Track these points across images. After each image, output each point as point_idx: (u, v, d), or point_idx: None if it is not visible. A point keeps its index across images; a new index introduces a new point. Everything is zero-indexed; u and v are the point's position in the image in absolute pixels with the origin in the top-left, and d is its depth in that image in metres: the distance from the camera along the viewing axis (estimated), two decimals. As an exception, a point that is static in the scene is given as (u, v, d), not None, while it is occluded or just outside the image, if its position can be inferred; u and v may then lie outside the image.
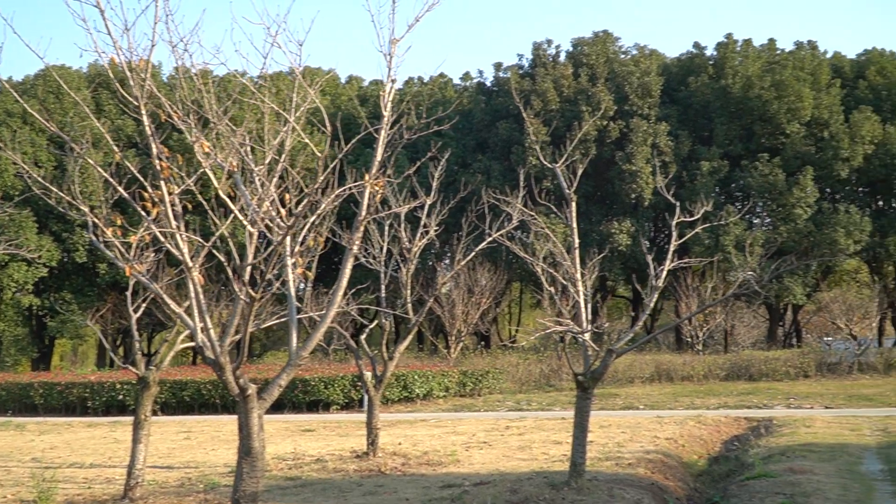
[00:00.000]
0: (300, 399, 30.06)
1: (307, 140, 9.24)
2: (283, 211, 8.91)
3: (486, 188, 17.87)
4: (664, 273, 13.19)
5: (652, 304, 13.81)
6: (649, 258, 14.08)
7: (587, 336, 12.98)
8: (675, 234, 14.01)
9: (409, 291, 17.27)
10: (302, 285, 16.61)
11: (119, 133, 42.86)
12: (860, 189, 49.05)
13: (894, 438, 18.73)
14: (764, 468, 14.74)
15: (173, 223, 8.64)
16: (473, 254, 17.41)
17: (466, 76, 55.27)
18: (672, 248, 13.81)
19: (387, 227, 17.48)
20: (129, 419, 13.86)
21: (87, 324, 30.56)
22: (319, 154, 8.50)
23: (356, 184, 9.31)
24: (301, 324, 13.80)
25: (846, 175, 45.78)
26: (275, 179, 9.07)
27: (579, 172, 14.21)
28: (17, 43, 8.66)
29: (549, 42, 50.18)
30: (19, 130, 42.58)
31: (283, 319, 10.83)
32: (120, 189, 9.07)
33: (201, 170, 8.84)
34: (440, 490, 13.15)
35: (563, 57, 49.79)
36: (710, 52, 50.28)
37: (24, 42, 8.33)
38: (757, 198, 45.85)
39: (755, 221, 48.13)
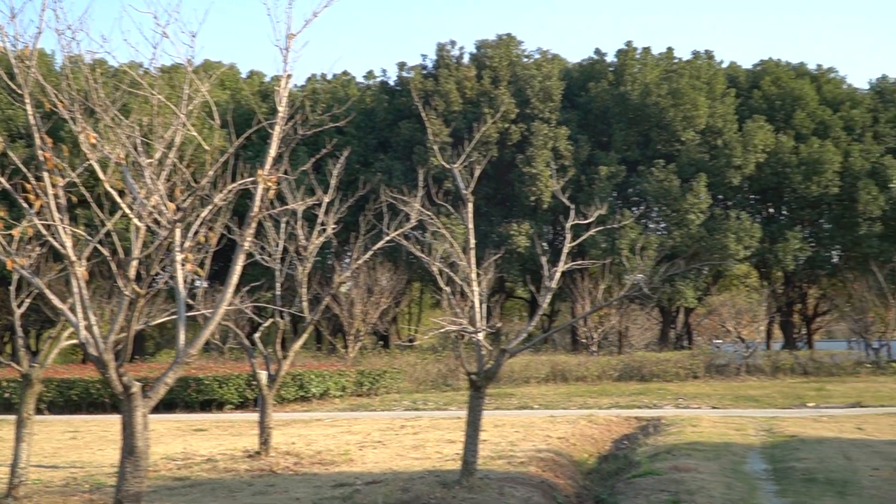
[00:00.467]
0: (193, 398, 29.49)
1: (194, 133, 9.07)
2: (171, 205, 8.74)
3: (386, 187, 17.85)
4: (557, 274, 13.36)
5: (545, 305, 13.97)
6: (543, 260, 14.25)
7: (481, 336, 13.08)
8: (568, 236, 14.22)
9: (305, 290, 17.12)
10: (198, 282, 16.32)
11: (9, 123, 41.47)
12: (751, 196, 50.50)
13: (778, 439, 19.28)
14: (650, 466, 15.06)
15: (56, 216, 8.40)
16: (370, 253, 17.35)
17: (370, 75, 55.13)
18: (566, 250, 14.00)
19: (283, 225, 17.30)
20: (14, 417, 13.43)
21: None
22: (207, 147, 8.37)
23: (248, 179, 9.18)
24: (196, 322, 13.58)
25: (738, 182, 47.11)
26: (164, 173, 8.89)
27: (476, 173, 14.32)
28: None
29: (453, 43, 50.51)
30: None
31: (174, 317, 10.61)
32: (1, 180, 8.79)
33: (88, 162, 8.62)
34: (332, 489, 13.08)
35: (466, 58, 50.12)
36: (610, 58, 51.21)
37: None
38: (652, 203, 46.89)
39: (651, 226, 49.15)
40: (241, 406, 29.79)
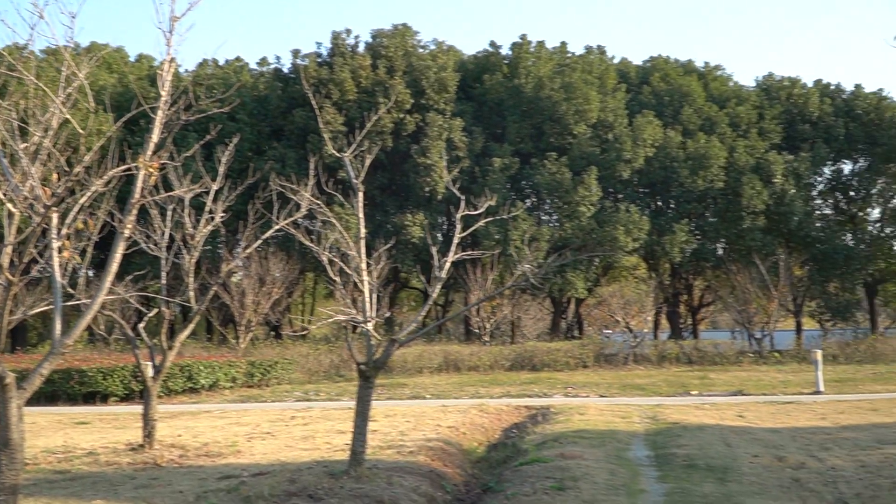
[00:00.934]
0: (76, 391, 28.61)
1: (69, 116, 8.79)
2: (46, 190, 8.46)
3: (279, 175, 17.62)
4: (447, 265, 13.41)
5: (435, 295, 13.99)
6: (433, 249, 14.30)
7: (370, 326, 13.04)
8: (459, 227, 14.28)
9: (192, 279, 16.80)
10: (80, 271, 15.84)
11: None
12: (640, 189, 51.41)
13: (661, 426, 19.72)
14: (537, 454, 15.26)
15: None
16: (259, 242, 17.15)
17: (263, 61, 54.31)
18: (456, 240, 14.07)
19: (170, 212, 16.92)
20: None
21: None
22: (82, 132, 8.13)
23: (129, 165, 8.95)
24: (78, 311, 13.18)
25: (628, 176, 48.01)
26: (40, 158, 8.60)
27: (367, 162, 14.25)
28: None
29: (349, 32, 50.17)
30: None
31: (52, 306, 10.28)
32: None
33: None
34: (217, 481, 12.87)
35: (362, 47, 49.85)
36: (505, 51, 51.56)
37: None
38: (545, 195, 47.48)
39: (543, 218, 49.74)
40: (127, 398, 29.05)
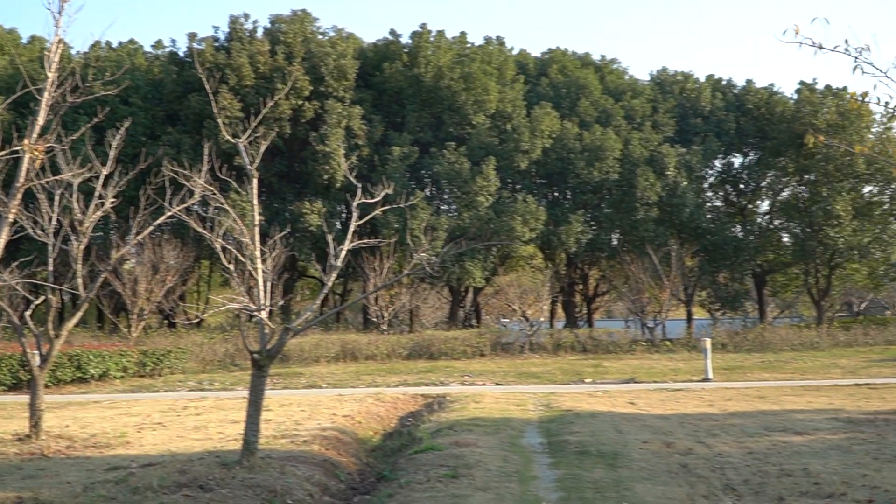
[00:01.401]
0: (-40, 380, 27.75)
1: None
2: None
3: (174, 161, 17.27)
4: (343, 253, 13.38)
5: (331, 283, 13.95)
6: (330, 237, 14.25)
7: (265, 315, 12.93)
8: (356, 215, 14.25)
9: (80, 266, 16.37)
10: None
11: None
12: (538, 180, 51.85)
13: (555, 413, 20.05)
14: (432, 442, 15.37)
15: None
16: (151, 228, 16.82)
17: (159, 44, 53.02)
18: (353, 228, 14.05)
19: (57, 197, 16.44)
20: None
21: None
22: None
23: (12, 148, 8.68)
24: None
25: (525, 167, 48.41)
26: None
27: (262, 149, 14.11)
28: None
29: (247, 16, 49.25)
30: None
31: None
32: None
33: None
34: (105, 472, 12.63)
35: (260, 32, 49.07)
36: (405, 40, 51.41)
37: None
38: (444, 184, 47.63)
39: (442, 207, 49.88)
40: (15, 388, 28.23)
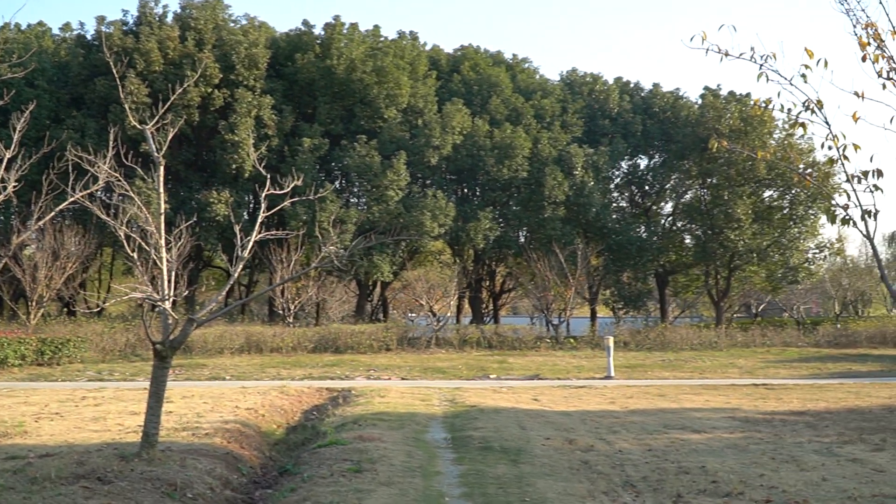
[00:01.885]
0: None
1: None
2: None
3: (78, 146, 16.83)
4: (250, 244, 13.25)
5: (237, 274, 13.80)
6: (237, 228, 14.10)
7: (168, 305, 12.73)
8: (264, 206, 14.12)
9: (-24, 251, 15.88)
10: None
11: None
12: (448, 176, 51.98)
13: (460, 409, 20.20)
14: (336, 436, 15.34)
15: None
16: (53, 213, 16.37)
17: (67, 27, 51.52)
18: (260, 219, 13.94)
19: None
20: None
21: None
22: None
23: None
24: None
25: (436, 162, 48.52)
26: None
27: (170, 136, 13.88)
28: None
29: (157, 1, 48.34)
30: None
31: None
32: None
33: None
34: (2, 462, 12.29)
35: (170, 18, 48.10)
36: (318, 31, 50.99)
37: None
38: (354, 177, 47.46)
39: (352, 200, 49.68)
40: None
